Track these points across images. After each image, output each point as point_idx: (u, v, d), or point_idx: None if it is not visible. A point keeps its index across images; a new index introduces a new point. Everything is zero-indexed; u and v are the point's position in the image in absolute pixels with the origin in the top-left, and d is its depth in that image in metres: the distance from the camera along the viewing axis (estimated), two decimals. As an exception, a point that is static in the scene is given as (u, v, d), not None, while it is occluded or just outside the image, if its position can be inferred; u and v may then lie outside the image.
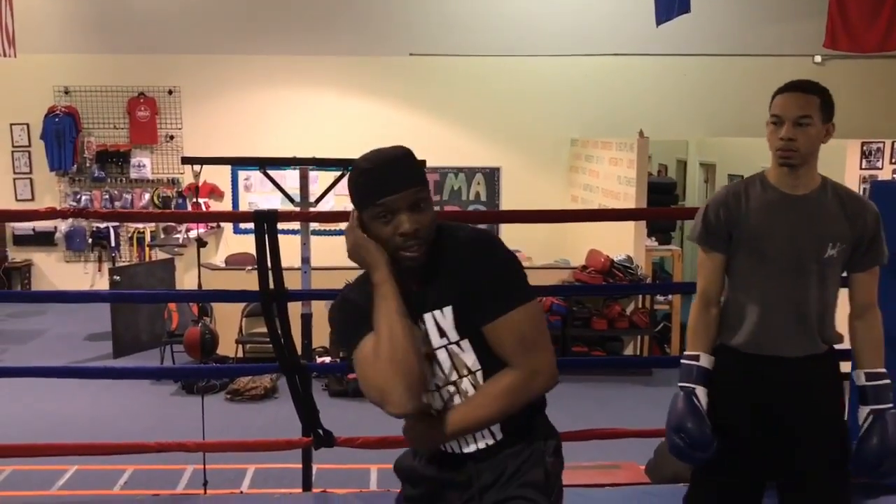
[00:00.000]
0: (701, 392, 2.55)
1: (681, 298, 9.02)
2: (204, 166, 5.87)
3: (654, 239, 9.76)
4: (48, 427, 6.46)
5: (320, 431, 3.71)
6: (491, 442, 1.97)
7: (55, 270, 11.60)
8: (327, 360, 8.10)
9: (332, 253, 9.82)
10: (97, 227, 11.40)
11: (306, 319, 4.69)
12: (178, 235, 10.91)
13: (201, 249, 6.18)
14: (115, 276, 8.96)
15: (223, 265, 9.99)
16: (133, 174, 11.37)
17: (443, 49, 10.94)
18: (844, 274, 2.62)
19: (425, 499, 2.05)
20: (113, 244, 11.43)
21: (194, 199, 11.22)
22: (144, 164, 11.37)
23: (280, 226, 3.55)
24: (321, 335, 7.90)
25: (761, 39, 10.81)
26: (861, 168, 8.06)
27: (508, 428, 1.96)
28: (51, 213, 3.71)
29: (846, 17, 8.47)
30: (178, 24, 10.78)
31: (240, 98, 11.27)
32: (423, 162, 2.11)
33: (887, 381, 2.51)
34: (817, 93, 2.46)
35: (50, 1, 10.69)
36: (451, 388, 1.96)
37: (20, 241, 11.50)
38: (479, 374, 1.93)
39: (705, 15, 9.11)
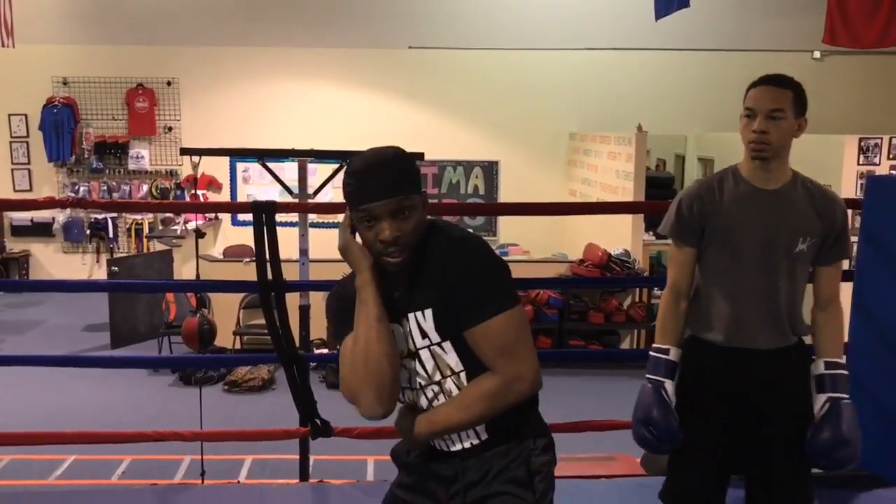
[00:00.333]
0: (669, 385, 2.59)
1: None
2: (202, 158, 5.88)
3: (651, 233, 9.76)
4: (46, 417, 6.48)
5: (317, 421, 3.73)
6: (476, 441, 1.99)
7: (53, 261, 11.60)
8: (325, 351, 8.12)
9: (330, 245, 9.81)
10: (95, 218, 11.42)
11: (304, 311, 4.70)
12: (176, 227, 10.90)
13: (199, 241, 6.19)
14: (113, 267, 8.96)
15: (221, 257, 10.00)
16: (131, 165, 11.36)
17: (442, 42, 10.94)
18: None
19: (416, 488, 2.08)
20: (111, 235, 11.43)
21: (192, 191, 11.23)
22: (143, 155, 11.36)
23: (278, 218, 3.57)
24: (319, 327, 7.92)
25: (760, 35, 10.81)
26: (859, 164, 8.06)
27: (493, 428, 1.98)
28: (49, 203, 3.72)
29: (845, 12, 8.47)
30: (177, 15, 10.76)
31: (239, 90, 11.26)
32: (417, 161, 2.12)
33: (845, 371, 2.55)
34: (790, 87, 2.50)
35: (49, -9, 10.68)
36: (436, 388, 1.98)
37: (18, 231, 11.51)
38: (463, 375, 1.95)
39: (704, 10, 9.09)
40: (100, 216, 11.39)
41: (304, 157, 4.79)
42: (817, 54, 11.04)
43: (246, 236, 10.30)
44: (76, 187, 11.35)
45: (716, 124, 11.14)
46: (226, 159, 11.12)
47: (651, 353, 2.66)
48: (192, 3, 10.65)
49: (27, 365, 4.48)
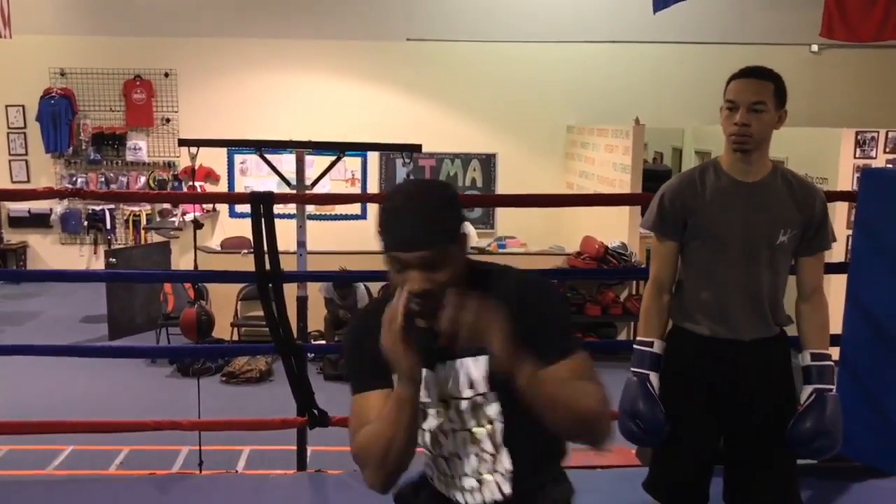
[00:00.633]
0: (654, 378, 2.61)
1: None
2: (200, 149, 5.88)
3: None
4: (44, 407, 6.49)
5: (315, 411, 3.75)
6: (498, 497, 1.82)
7: (50, 252, 11.60)
8: (322, 342, 8.14)
9: (327, 238, 9.87)
10: (93, 210, 11.42)
11: (302, 302, 4.71)
12: (173, 218, 10.91)
13: (197, 232, 6.21)
14: (110, 259, 8.98)
15: (219, 249, 10.01)
16: (129, 157, 11.36)
17: (440, 35, 10.93)
18: None
19: None
20: (108, 227, 11.43)
21: (190, 183, 11.24)
22: (140, 146, 11.36)
23: (276, 210, 3.57)
24: (316, 318, 7.94)
25: (758, 28, 10.82)
26: (855, 157, 8.08)
27: (518, 481, 1.81)
28: (48, 193, 3.73)
29: (843, 6, 8.47)
30: (174, 6, 10.76)
31: (237, 81, 11.25)
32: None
33: (830, 362, 2.57)
34: (771, 79, 2.49)
35: (46, -18, 10.67)
36: (466, 435, 1.82)
37: (15, 222, 11.50)
38: (499, 427, 1.79)
39: (702, 3, 9.11)
40: (97, 207, 11.39)
41: (302, 148, 4.79)
42: (815, 48, 11.04)
43: (244, 228, 10.30)
44: (73, 178, 11.34)
45: (713, 117, 11.06)
46: (223, 151, 11.13)
47: (635, 346, 2.68)
48: (189, -5, 10.65)
49: (26, 354, 4.49)
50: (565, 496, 1.90)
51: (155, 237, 10.88)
